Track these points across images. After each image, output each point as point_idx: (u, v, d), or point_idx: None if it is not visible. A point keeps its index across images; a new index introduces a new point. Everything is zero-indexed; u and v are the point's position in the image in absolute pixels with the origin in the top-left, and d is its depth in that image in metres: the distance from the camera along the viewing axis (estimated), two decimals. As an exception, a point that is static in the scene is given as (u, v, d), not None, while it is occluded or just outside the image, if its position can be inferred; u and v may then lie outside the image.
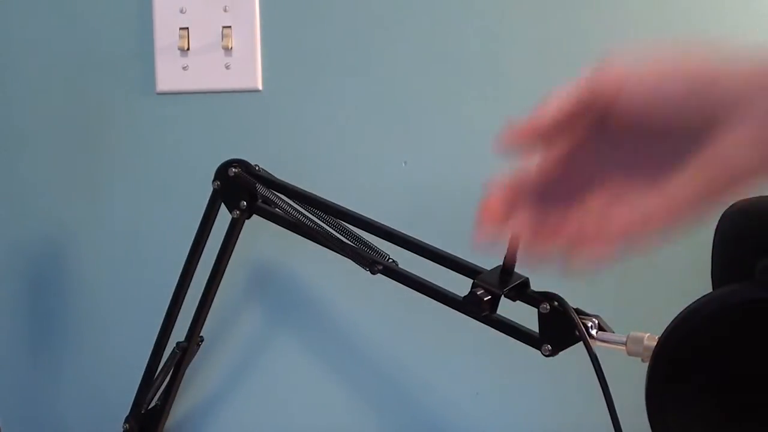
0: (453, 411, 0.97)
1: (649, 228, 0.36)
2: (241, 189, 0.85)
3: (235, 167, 0.84)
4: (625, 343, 0.65)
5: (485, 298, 0.67)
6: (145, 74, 0.98)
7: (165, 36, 0.97)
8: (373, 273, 0.77)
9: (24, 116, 1.00)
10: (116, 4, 0.98)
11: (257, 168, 0.85)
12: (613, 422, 0.66)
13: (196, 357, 0.94)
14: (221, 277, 0.88)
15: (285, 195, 0.83)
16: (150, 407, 0.91)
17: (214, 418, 1.00)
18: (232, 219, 0.86)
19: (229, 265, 0.89)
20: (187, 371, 0.94)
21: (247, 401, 1.00)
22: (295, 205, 0.82)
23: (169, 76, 0.97)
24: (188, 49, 0.97)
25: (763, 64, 0.36)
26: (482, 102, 0.93)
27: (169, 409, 0.92)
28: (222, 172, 0.85)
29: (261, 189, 0.83)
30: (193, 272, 0.88)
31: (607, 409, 0.66)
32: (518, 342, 0.95)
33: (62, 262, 1.00)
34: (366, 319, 0.98)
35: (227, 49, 0.96)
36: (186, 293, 0.88)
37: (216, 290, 0.89)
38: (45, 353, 1.01)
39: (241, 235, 0.87)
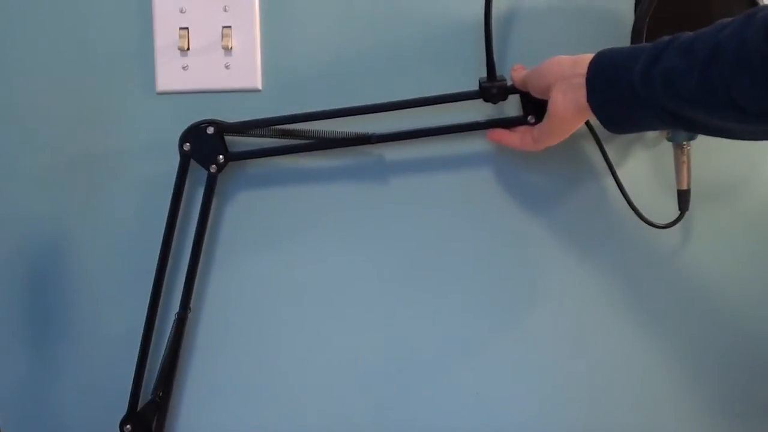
0: (452, 411, 0.98)
1: (532, 147, 0.87)
2: (217, 144, 0.92)
3: (209, 126, 0.92)
4: None
5: (493, 92, 0.88)
6: (145, 74, 0.98)
7: (165, 36, 0.97)
8: (373, 143, 0.92)
9: (24, 116, 1.00)
10: (116, 4, 0.98)
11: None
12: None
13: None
14: (204, 236, 0.94)
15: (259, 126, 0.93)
16: (150, 401, 0.93)
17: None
18: (209, 175, 0.92)
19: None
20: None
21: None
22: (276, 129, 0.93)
23: (169, 76, 0.98)
24: (188, 49, 0.97)
25: (562, 63, 0.79)
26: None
27: (170, 395, 0.95)
28: (192, 133, 0.92)
29: (250, 132, 0.93)
30: (171, 243, 0.94)
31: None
32: (518, 342, 0.96)
33: (62, 262, 1.00)
34: (360, 311, 0.98)
35: (227, 49, 0.96)
36: (167, 264, 0.94)
37: (201, 250, 0.94)
38: (45, 352, 1.01)
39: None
